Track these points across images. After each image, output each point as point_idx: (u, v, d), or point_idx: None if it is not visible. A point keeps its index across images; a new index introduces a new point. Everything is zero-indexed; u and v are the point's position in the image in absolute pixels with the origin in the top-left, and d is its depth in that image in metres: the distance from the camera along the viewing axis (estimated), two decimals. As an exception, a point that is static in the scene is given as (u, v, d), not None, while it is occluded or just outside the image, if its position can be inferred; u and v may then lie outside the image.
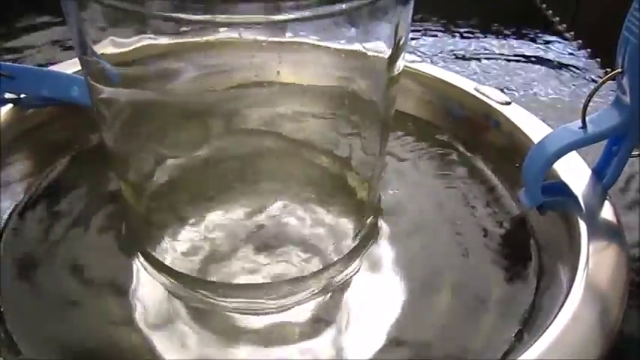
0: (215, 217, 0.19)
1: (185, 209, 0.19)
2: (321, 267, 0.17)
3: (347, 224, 0.19)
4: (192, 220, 0.18)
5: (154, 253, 0.17)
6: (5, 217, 0.20)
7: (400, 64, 0.15)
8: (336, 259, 0.17)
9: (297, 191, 0.19)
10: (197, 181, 0.19)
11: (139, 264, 0.18)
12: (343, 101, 0.16)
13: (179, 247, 0.18)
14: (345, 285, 0.18)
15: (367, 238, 0.18)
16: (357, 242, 0.18)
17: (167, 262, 0.17)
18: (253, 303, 0.17)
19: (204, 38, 0.14)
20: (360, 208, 0.18)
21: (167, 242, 0.18)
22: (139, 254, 0.17)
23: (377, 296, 0.18)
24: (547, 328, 0.14)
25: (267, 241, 0.18)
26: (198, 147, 0.18)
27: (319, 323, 0.17)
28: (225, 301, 0.17)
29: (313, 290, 0.17)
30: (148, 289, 0.18)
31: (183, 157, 0.18)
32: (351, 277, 0.18)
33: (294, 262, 0.18)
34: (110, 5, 0.12)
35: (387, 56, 0.15)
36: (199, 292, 0.17)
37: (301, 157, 0.19)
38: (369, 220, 0.18)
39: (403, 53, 0.15)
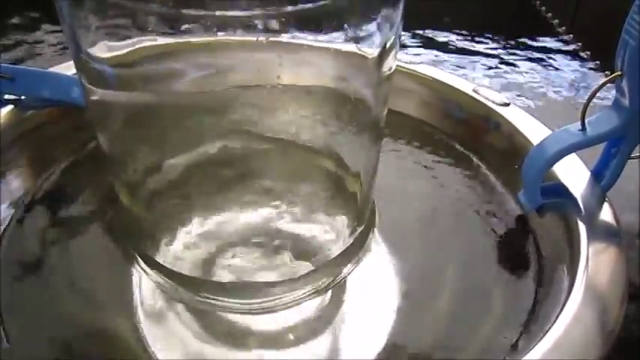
0: (211, 218, 0.19)
1: (181, 211, 0.18)
2: (317, 266, 0.17)
3: (343, 223, 0.19)
4: (188, 222, 0.18)
5: (150, 254, 0.17)
6: (4, 219, 0.20)
7: (392, 64, 0.16)
8: (332, 258, 0.17)
9: (294, 192, 0.19)
10: (193, 183, 0.18)
11: (137, 266, 0.18)
12: (338, 101, 0.16)
13: (175, 248, 0.18)
14: (343, 285, 0.18)
15: (363, 237, 0.18)
16: (352, 241, 0.18)
17: (164, 263, 0.17)
18: (250, 304, 0.17)
19: (202, 39, 0.14)
20: (355, 207, 0.18)
21: (164, 244, 0.18)
22: (137, 256, 0.17)
23: (375, 298, 0.18)
24: (548, 330, 0.14)
25: (264, 242, 0.18)
26: (194, 148, 0.18)
27: (317, 323, 0.17)
28: (222, 301, 0.17)
29: (310, 290, 0.17)
30: (146, 291, 0.18)
31: (180, 159, 0.18)
32: (347, 276, 0.18)
33: (291, 262, 0.18)
34: (104, 2, 0.12)
35: (376, 55, 0.15)
36: (195, 293, 0.17)
37: (297, 157, 0.18)
38: (364, 219, 0.18)
39: (394, 52, 0.15)
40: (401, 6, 0.14)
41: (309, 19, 0.13)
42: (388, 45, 0.15)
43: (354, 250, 0.18)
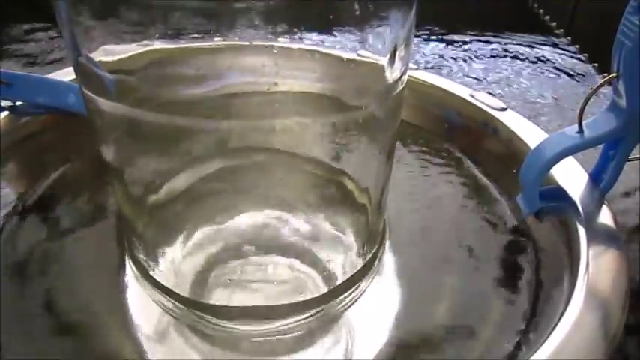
0: (214, 233, 0.18)
1: (183, 224, 0.18)
2: (326, 288, 0.17)
3: (352, 241, 0.18)
4: (190, 236, 0.18)
5: (150, 271, 0.17)
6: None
7: (401, 76, 0.15)
8: (341, 280, 0.17)
9: (300, 207, 0.19)
10: (196, 195, 0.18)
11: (134, 279, 0.17)
12: (345, 111, 0.16)
13: (176, 265, 0.18)
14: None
15: (373, 257, 0.18)
16: (364, 260, 0.17)
17: (162, 281, 0.17)
18: (252, 328, 0.16)
19: (201, 44, 0.14)
20: (365, 224, 0.18)
21: (164, 260, 0.18)
22: (135, 269, 0.17)
23: (376, 303, 0.18)
24: (549, 334, 0.14)
25: (269, 260, 0.18)
26: (195, 159, 0.18)
27: (319, 336, 0.17)
28: (224, 324, 0.16)
29: (317, 312, 0.17)
30: (144, 304, 0.18)
31: (181, 170, 0.18)
32: (357, 299, 0.17)
33: (298, 283, 0.17)
34: (104, 7, 0.12)
35: (384, 64, 0.14)
36: (196, 313, 0.16)
37: (303, 171, 0.18)
38: (375, 238, 0.18)
39: (404, 63, 0.15)
40: (413, 10, 0.14)
41: (319, 25, 0.13)
42: (398, 52, 0.14)
43: (365, 272, 0.17)
